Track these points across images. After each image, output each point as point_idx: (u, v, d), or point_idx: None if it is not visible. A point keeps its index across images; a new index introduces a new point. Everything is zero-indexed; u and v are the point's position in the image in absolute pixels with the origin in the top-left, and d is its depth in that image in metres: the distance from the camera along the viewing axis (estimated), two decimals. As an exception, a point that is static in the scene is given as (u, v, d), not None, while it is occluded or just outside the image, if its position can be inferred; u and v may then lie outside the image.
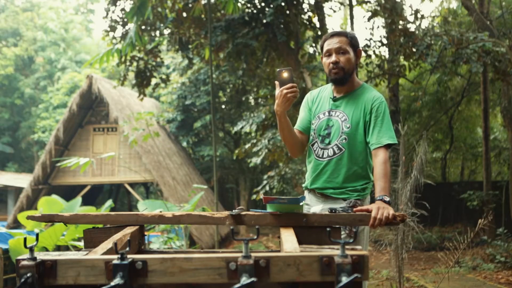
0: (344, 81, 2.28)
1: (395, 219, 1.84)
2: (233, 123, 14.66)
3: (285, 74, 2.05)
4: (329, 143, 2.28)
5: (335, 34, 2.29)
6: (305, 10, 9.14)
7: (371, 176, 2.25)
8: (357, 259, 1.20)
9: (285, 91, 2.03)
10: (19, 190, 16.09)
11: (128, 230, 1.81)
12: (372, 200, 2.16)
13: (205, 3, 7.52)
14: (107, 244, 1.56)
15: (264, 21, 8.38)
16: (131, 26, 8.24)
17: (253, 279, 1.17)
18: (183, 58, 12.78)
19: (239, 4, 7.99)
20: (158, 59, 9.48)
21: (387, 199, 1.98)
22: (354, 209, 1.97)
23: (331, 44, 2.27)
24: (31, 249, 1.25)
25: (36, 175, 13.49)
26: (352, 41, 2.27)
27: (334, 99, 2.33)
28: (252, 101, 14.12)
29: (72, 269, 1.25)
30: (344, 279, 1.17)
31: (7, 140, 22.96)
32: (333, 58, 2.25)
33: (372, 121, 2.20)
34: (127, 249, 1.30)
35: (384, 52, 9.52)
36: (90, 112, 14.46)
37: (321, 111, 2.36)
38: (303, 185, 2.43)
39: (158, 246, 5.50)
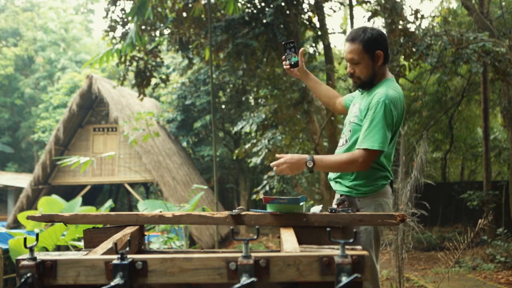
0: (365, 86, 2.24)
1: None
2: (233, 123, 14.66)
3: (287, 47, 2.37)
4: (343, 134, 2.32)
5: (349, 40, 2.20)
6: (305, 10, 9.12)
7: (372, 175, 2.16)
8: (357, 259, 1.20)
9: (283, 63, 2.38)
10: (19, 190, 16.10)
11: (128, 230, 1.82)
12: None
13: (205, 3, 7.51)
14: (107, 244, 1.56)
15: (264, 21, 8.37)
16: (131, 26, 8.23)
17: (253, 279, 1.17)
18: (183, 58, 12.77)
19: (239, 4, 7.99)
20: (158, 59, 9.47)
21: (311, 163, 2.01)
22: (272, 164, 2.06)
23: (346, 51, 2.23)
24: (31, 249, 1.25)
25: (36, 175, 13.49)
26: (366, 46, 2.14)
27: (361, 92, 2.32)
28: (252, 101, 14.11)
29: (72, 269, 1.25)
30: (344, 279, 1.17)
31: (7, 140, 22.96)
32: (348, 68, 2.24)
33: (364, 120, 2.12)
34: (127, 249, 1.30)
35: (384, 52, 9.50)
36: (90, 112, 14.46)
37: (352, 103, 2.39)
38: None
39: (158, 246, 5.50)
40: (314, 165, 2.03)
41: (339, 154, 2.14)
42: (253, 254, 1.24)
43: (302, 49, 2.38)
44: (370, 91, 2.21)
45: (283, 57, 2.39)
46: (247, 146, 9.79)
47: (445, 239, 9.67)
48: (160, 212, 1.99)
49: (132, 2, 8.20)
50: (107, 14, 8.77)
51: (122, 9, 8.74)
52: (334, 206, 2.15)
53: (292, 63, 2.35)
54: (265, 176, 10.14)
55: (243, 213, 1.88)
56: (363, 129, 2.10)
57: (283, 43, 2.39)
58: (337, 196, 2.28)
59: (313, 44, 10.04)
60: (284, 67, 2.39)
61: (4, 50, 23.18)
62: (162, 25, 8.82)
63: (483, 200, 9.40)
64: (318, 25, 9.33)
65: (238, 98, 15.32)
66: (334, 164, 2.11)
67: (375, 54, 2.16)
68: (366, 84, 2.22)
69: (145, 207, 6.41)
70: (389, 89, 2.13)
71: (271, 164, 2.06)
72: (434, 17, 11.69)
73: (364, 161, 2.05)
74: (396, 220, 1.80)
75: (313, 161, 2.02)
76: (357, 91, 2.39)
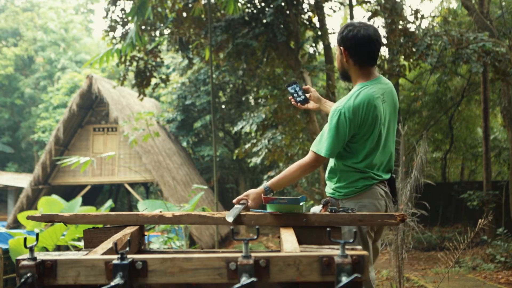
0: (342, 77, 2.35)
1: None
2: (233, 123, 14.65)
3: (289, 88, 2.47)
4: None
5: None
6: (305, 10, 9.13)
7: (352, 177, 2.20)
8: (357, 259, 1.20)
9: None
10: (19, 190, 16.10)
11: (128, 230, 1.82)
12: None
13: (205, 3, 7.52)
14: (107, 244, 1.56)
15: (264, 21, 8.38)
16: (131, 26, 8.23)
17: (253, 279, 1.17)
18: (183, 58, 12.76)
19: (239, 4, 7.99)
20: (158, 59, 9.47)
21: (267, 188, 2.12)
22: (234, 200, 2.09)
23: None
24: (31, 249, 1.25)
25: (36, 175, 13.49)
26: (337, 39, 2.26)
27: None
28: (252, 101, 14.12)
29: (72, 269, 1.25)
30: (344, 279, 1.17)
31: (7, 140, 22.96)
32: None
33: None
34: (127, 249, 1.30)
35: (384, 52, 9.52)
36: (90, 112, 14.47)
37: None
38: None
39: (158, 246, 5.50)
40: (273, 190, 2.15)
41: (291, 165, 2.22)
42: (253, 254, 1.24)
43: (306, 87, 2.47)
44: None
45: (290, 97, 2.49)
46: (247, 146, 9.79)
47: (445, 239, 9.67)
48: (160, 212, 1.99)
49: (132, 2, 8.20)
50: (107, 14, 8.77)
51: (122, 9, 8.75)
52: (319, 207, 2.20)
53: (301, 100, 2.44)
54: (265, 176, 10.14)
55: (243, 213, 1.89)
56: (320, 133, 2.21)
57: (286, 86, 2.49)
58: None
59: (313, 44, 10.05)
60: (294, 104, 2.49)
61: (4, 50, 23.18)
62: (162, 25, 8.82)
63: (483, 200, 9.39)
64: (318, 25, 9.33)
65: (238, 98, 15.32)
66: (288, 176, 2.19)
67: (341, 49, 2.24)
68: (341, 75, 2.34)
69: (145, 207, 6.42)
70: (352, 96, 2.15)
71: (233, 201, 2.11)
72: (434, 17, 11.70)
73: (313, 164, 2.19)
74: (396, 220, 1.80)
75: (270, 189, 2.13)
76: None
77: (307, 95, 2.45)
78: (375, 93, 2.16)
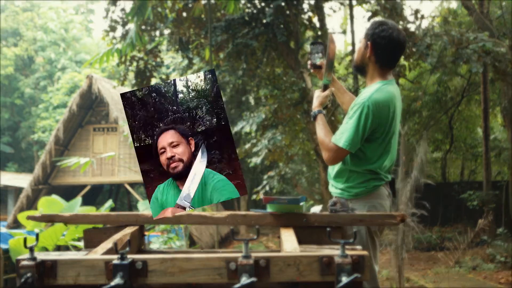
0: (356, 70, 2.35)
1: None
2: (233, 123, 14.64)
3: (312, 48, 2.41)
4: None
5: None
6: (305, 10, 9.12)
7: (363, 177, 2.18)
8: (357, 259, 1.20)
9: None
10: (19, 190, 16.09)
11: (128, 230, 1.82)
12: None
13: (205, 3, 7.51)
14: (107, 244, 1.56)
15: (264, 21, 8.37)
16: (131, 26, 8.23)
17: (253, 279, 1.17)
18: (183, 58, 12.74)
19: (239, 4, 8.00)
20: (158, 59, 9.47)
21: (314, 116, 2.27)
22: None
23: None
24: (31, 249, 1.25)
25: (36, 175, 13.49)
26: (365, 32, 2.23)
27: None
28: (252, 101, 14.10)
29: (72, 269, 1.25)
30: (344, 279, 1.17)
31: (7, 140, 22.96)
32: None
33: (346, 116, 2.19)
34: (127, 249, 1.30)
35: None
36: (90, 112, 14.47)
37: None
38: None
39: (158, 246, 5.50)
40: (314, 120, 2.26)
41: (329, 135, 2.19)
42: (253, 254, 1.24)
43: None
44: (363, 90, 2.24)
45: (308, 55, 2.42)
46: (247, 146, 9.79)
47: (445, 239, 9.66)
48: (160, 212, 1.98)
49: (132, 2, 8.20)
50: (107, 14, 8.77)
51: (122, 9, 8.75)
52: (319, 207, 2.18)
53: (315, 64, 2.36)
54: (265, 176, 10.13)
55: (243, 213, 1.89)
56: (341, 125, 2.18)
57: (310, 43, 2.44)
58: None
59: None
60: (308, 66, 2.42)
61: (4, 50, 23.18)
62: (162, 25, 8.82)
63: (483, 200, 9.39)
64: (318, 25, 9.33)
65: (238, 98, 15.30)
66: (319, 136, 2.22)
67: (368, 44, 2.21)
68: (356, 68, 2.33)
69: (145, 207, 6.41)
70: (377, 91, 2.13)
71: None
72: (434, 17, 11.69)
73: (331, 154, 2.14)
74: (396, 220, 1.80)
75: (314, 118, 2.26)
76: None
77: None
78: (394, 93, 2.18)
